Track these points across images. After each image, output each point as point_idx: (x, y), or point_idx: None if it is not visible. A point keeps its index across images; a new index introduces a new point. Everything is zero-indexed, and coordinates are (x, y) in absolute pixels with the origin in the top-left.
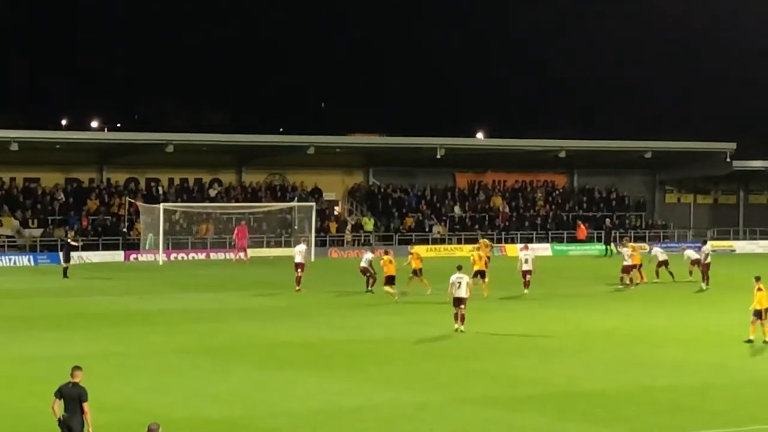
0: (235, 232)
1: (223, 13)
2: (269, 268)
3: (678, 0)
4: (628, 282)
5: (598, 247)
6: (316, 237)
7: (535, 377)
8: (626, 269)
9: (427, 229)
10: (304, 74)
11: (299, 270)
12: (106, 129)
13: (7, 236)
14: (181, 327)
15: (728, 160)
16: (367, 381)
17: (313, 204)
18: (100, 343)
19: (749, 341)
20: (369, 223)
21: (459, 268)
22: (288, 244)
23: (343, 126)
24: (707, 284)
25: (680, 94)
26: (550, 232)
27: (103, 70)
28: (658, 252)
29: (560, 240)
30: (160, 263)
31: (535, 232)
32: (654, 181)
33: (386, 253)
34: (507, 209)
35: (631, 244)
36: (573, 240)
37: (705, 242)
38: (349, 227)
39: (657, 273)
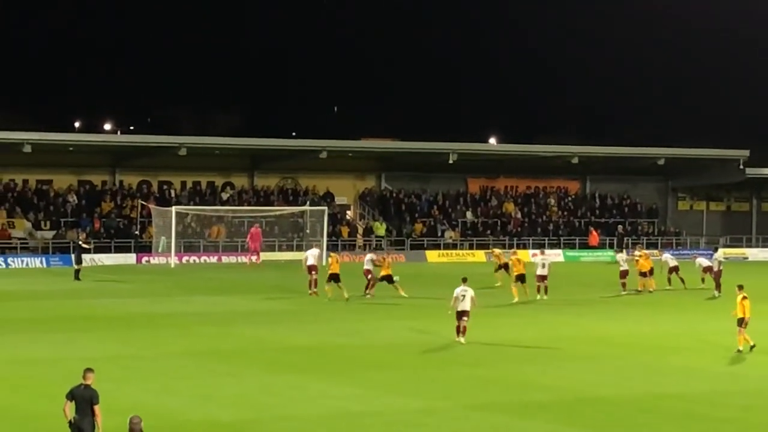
0: (249, 234)
1: (237, 18)
2: (280, 272)
3: (694, 7)
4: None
5: (610, 254)
6: (327, 241)
7: (544, 384)
8: (623, 274)
9: (439, 234)
10: (317, 78)
11: (313, 273)
12: (119, 132)
13: (20, 238)
14: (192, 330)
15: (741, 167)
16: (374, 386)
17: (325, 208)
18: (111, 345)
19: (739, 351)
20: (380, 228)
21: (464, 281)
22: (300, 248)
23: (355, 130)
24: (719, 292)
25: (694, 101)
26: (562, 238)
27: (116, 73)
28: (669, 258)
29: (572, 246)
30: (172, 266)
31: (547, 238)
32: (667, 188)
33: (334, 251)
34: (519, 215)
35: (644, 251)
36: (585, 246)
37: (717, 249)
38: (360, 232)
39: (669, 280)
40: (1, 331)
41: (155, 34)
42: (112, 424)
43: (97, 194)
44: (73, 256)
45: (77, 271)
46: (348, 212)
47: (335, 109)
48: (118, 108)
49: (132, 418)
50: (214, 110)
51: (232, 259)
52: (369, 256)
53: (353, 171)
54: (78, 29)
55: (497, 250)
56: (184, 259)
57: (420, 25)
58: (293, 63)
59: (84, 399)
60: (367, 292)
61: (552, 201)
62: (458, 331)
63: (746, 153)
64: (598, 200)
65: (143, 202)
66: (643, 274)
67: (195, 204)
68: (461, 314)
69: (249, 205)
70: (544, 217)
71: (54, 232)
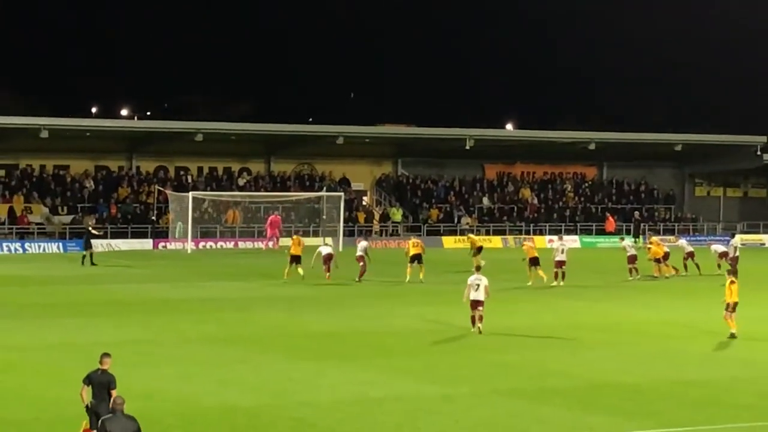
0: (269, 221)
1: (253, 4)
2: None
3: None
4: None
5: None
6: (344, 227)
7: (562, 370)
8: (630, 260)
9: (455, 221)
10: (334, 64)
11: (329, 261)
12: (135, 117)
13: (37, 223)
14: (209, 316)
15: (758, 153)
16: (393, 372)
17: (342, 194)
18: (129, 330)
19: (732, 335)
20: (397, 214)
21: (478, 269)
22: (316, 234)
23: (372, 116)
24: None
25: (711, 87)
26: (578, 224)
27: (133, 59)
28: (684, 244)
29: (589, 232)
30: (189, 252)
31: (563, 224)
32: (683, 174)
33: (296, 233)
34: (536, 201)
35: (654, 238)
36: (602, 232)
37: (734, 235)
38: (377, 218)
39: (685, 266)
40: (19, 316)
41: (172, 21)
42: (129, 409)
43: (114, 180)
44: (82, 241)
45: (85, 257)
46: (364, 198)
47: (352, 95)
48: (134, 94)
49: (116, 399)
50: (231, 96)
51: (249, 244)
52: (363, 243)
53: (370, 157)
54: (96, 15)
55: (472, 236)
56: (201, 244)
57: (437, 10)
58: (310, 48)
59: (101, 384)
60: (359, 279)
61: (569, 187)
62: (473, 321)
63: (763, 139)
64: (614, 186)
65: (160, 188)
66: (657, 260)
67: (212, 189)
68: (475, 304)
69: (265, 190)
70: (561, 203)
71: (71, 217)
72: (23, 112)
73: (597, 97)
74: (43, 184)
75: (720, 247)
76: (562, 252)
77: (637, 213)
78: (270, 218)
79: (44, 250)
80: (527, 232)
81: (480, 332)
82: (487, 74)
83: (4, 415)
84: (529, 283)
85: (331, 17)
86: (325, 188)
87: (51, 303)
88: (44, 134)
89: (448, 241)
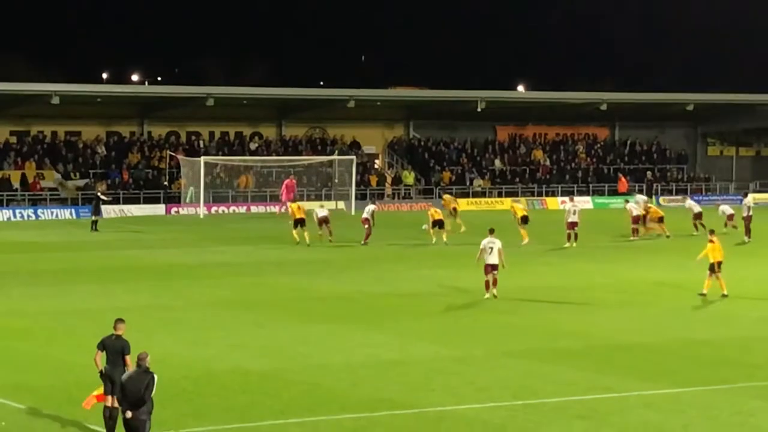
0: (284, 185)
1: None
2: (310, 222)
3: None
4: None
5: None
6: (356, 190)
7: (575, 330)
8: (634, 220)
9: (467, 183)
10: (345, 27)
11: (324, 224)
12: (146, 83)
13: (50, 189)
14: (222, 280)
15: None
16: (406, 335)
17: (354, 157)
18: (142, 296)
19: (702, 294)
20: (409, 177)
21: (491, 232)
22: (329, 198)
23: (383, 79)
24: (749, 237)
25: (723, 46)
26: (591, 185)
27: (144, 24)
28: (693, 204)
29: (601, 193)
30: (201, 217)
31: (576, 185)
32: (696, 134)
33: (295, 200)
34: (548, 162)
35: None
36: (614, 193)
37: (747, 195)
38: (389, 181)
39: (695, 226)
40: (33, 282)
41: None
42: None
43: (126, 145)
44: (91, 206)
45: (94, 222)
46: (376, 161)
47: (363, 58)
48: (145, 59)
49: (140, 354)
50: (242, 60)
51: (261, 209)
52: (370, 206)
53: (381, 120)
54: None
55: (447, 196)
56: (213, 209)
57: None
58: (320, 12)
59: (115, 349)
60: (365, 242)
61: (581, 148)
62: (487, 286)
63: None
64: (627, 147)
65: (172, 153)
66: (659, 220)
67: (223, 154)
68: (490, 268)
69: (277, 155)
70: (573, 164)
71: (85, 181)
72: (34, 79)
73: (609, 57)
74: (54, 151)
75: (728, 209)
76: (574, 213)
77: (649, 173)
78: (285, 182)
79: (57, 216)
80: (539, 194)
81: (495, 297)
82: (499, 36)
83: (20, 380)
84: (525, 242)
85: None
86: (336, 152)
87: (64, 269)
88: (55, 100)
89: (461, 204)
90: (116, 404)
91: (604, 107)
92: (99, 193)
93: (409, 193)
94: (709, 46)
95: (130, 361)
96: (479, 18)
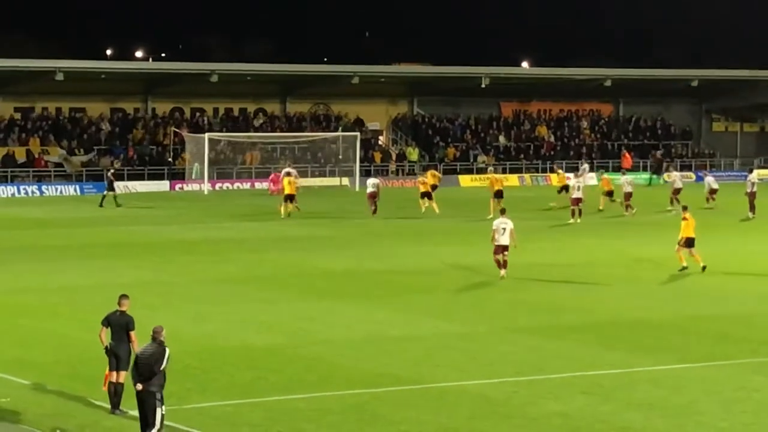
0: (271, 176)
1: None
2: (313, 198)
3: None
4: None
5: (644, 176)
6: (360, 167)
7: (580, 306)
8: (627, 197)
9: (471, 159)
10: (348, 3)
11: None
12: (150, 59)
13: (55, 163)
14: (226, 256)
15: None
16: (410, 311)
17: (358, 134)
18: (146, 272)
19: (683, 269)
20: (413, 153)
21: (503, 212)
22: (333, 174)
23: (387, 55)
24: (754, 213)
25: (727, 21)
26: (595, 161)
27: (147, 0)
28: (677, 178)
29: (606, 169)
30: (205, 193)
31: (580, 161)
32: (700, 110)
33: (288, 174)
34: (552, 138)
35: (606, 175)
36: (618, 169)
37: (751, 171)
38: (393, 157)
39: (672, 200)
40: (37, 258)
41: None
42: None
43: (130, 122)
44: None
45: (104, 197)
46: (380, 138)
47: (367, 34)
48: (149, 35)
49: (155, 328)
50: (246, 37)
51: (265, 185)
52: (373, 179)
53: (385, 96)
54: None
55: (435, 172)
56: (217, 185)
57: None
58: None
59: (120, 325)
60: (374, 213)
61: (585, 124)
62: (499, 265)
63: None
64: (631, 123)
65: (176, 129)
66: (608, 194)
67: (227, 131)
68: (501, 248)
69: (281, 131)
70: (577, 141)
71: (89, 157)
72: (38, 55)
73: (612, 33)
74: (59, 127)
75: (713, 183)
76: (578, 189)
77: (659, 153)
78: (272, 176)
79: (61, 192)
80: (543, 170)
81: (503, 277)
82: (502, 12)
83: (25, 356)
84: (490, 216)
85: None
86: (341, 128)
87: (68, 245)
88: (59, 77)
89: (465, 180)
90: (121, 380)
91: (608, 83)
92: (110, 173)
93: (413, 170)
94: (714, 22)
95: (135, 336)
96: None
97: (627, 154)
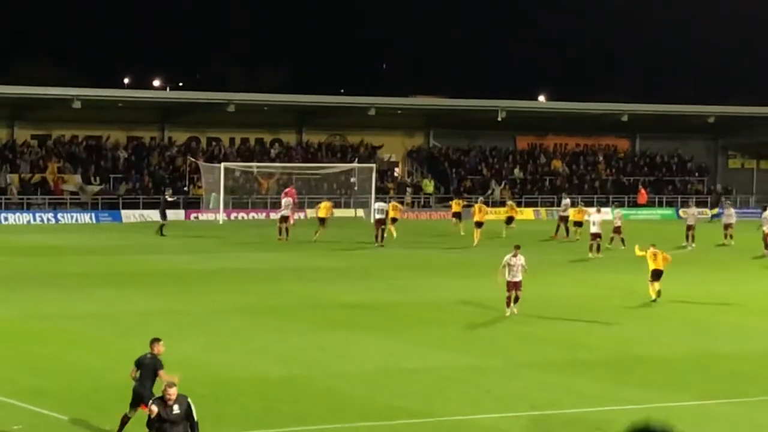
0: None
1: None
2: (328, 229)
3: None
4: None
5: (659, 212)
6: (375, 198)
7: (593, 342)
8: (616, 230)
9: (490, 191)
10: (366, 35)
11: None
12: (168, 88)
13: (71, 192)
14: (241, 286)
15: None
16: (424, 343)
17: (374, 165)
18: (160, 300)
19: (654, 301)
20: (429, 185)
21: (517, 248)
22: (348, 206)
23: (404, 87)
24: None
25: (744, 59)
26: (611, 197)
27: (166, 29)
28: (731, 213)
29: (621, 204)
30: (220, 222)
31: (595, 196)
32: (717, 146)
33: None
34: (567, 172)
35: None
36: (634, 205)
37: (766, 208)
38: (409, 189)
39: (687, 237)
40: (52, 285)
41: None
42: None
43: (146, 150)
44: (159, 211)
45: (163, 226)
46: (396, 169)
47: (384, 66)
48: (167, 64)
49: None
50: (263, 67)
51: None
52: (380, 204)
53: (402, 128)
54: None
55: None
56: (233, 215)
57: None
58: (343, 19)
59: (148, 367)
60: (377, 240)
61: (601, 159)
62: (509, 302)
63: None
64: (647, 158)
65: (192, 159)
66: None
67: (243, 161)
68: (514, 285)
69: (297, 161)
70: (593, 175)
71: (100, 187)
72: (56, 83)
73: (630, 68)
74: (75, 155)
75: (732, 217)
76: (595, 225)
77: (718, 186)
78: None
79: (77, 220)
80: (558, 204)
81: (512, 314)
82: (520, 45)
83: (38, 384)
84: (475, 244)
85: None
86: (356, 159)
87: (83, 273)
88: (77, 105)
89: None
90: (132, 414)
91: (624, 118)
92: (167, 197)
93: (429, 202)
94: (732, 59)
95: (164, 374)
96: (501, 27)
97: (642, 190)
